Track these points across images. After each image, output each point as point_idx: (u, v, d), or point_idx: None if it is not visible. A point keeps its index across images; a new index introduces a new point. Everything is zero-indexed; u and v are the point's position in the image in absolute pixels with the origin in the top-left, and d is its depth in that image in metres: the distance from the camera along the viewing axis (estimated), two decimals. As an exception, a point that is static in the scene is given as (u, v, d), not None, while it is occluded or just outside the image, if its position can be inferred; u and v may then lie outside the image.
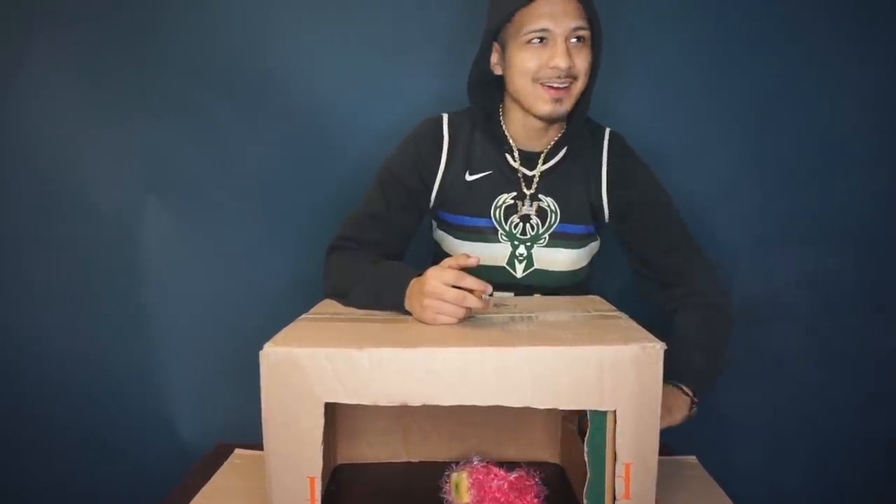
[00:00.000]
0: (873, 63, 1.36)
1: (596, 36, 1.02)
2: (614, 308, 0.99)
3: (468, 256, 0.90)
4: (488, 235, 1.13)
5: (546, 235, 1.12)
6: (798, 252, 1.40)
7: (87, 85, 1.35)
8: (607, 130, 1.14)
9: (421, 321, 0.91)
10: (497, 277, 1.07)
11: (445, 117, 1.13)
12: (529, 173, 1.11)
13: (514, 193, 1.11)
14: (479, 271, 0.90)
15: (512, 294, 1.12)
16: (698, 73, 1.37)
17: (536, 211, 1.11)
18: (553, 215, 1.11)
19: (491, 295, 0.90)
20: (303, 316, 0.95)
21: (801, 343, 1.41)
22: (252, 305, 1.38)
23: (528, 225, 1.11)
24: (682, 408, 1.01)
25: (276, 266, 1.41)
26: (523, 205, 1.11)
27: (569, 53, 0.98)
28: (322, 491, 0.83)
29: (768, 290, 1.40)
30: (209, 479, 0.97)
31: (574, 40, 1.00)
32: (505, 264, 1.13)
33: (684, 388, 1.02)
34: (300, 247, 1.35)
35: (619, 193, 1.11)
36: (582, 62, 1.01)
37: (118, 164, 1.38)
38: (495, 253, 1.12)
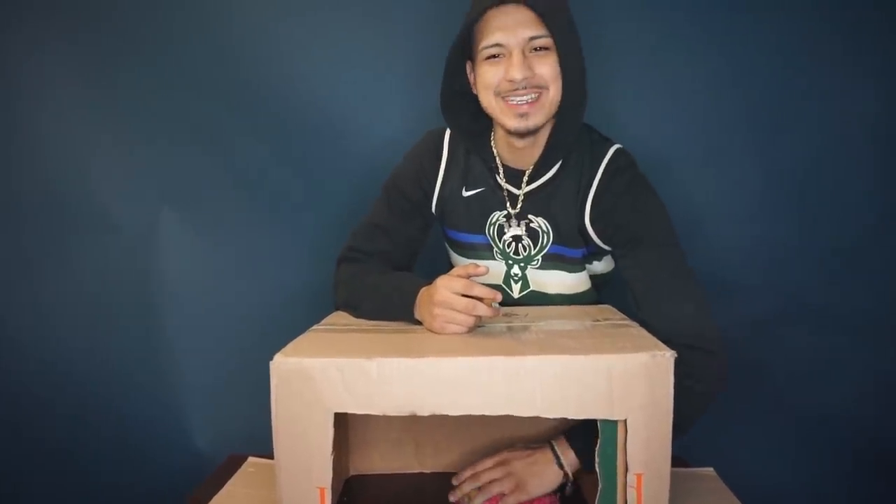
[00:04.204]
0: (882, 72, 1.34)
1: (564, 43, 0.95)
2: (625, 317, 0.98)
3: (477, 266, 0.90)
4: (483, 252, 1.11)
5: (539, 257, 1.08)
6: (808, 259, 1.37)
7: (99, 98, 1.37)
8: (612, 148, 1.05)
9: (431, 330, 0.91)
10: None
11: (448, 131, 1.12)
12: (516, 192, 1.07)
13: (506, 212, 1.08)
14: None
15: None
16: (703, 81, 1.36)
17: (527, 231, 1.07)
18: (545, 236, 1.06)
19: (500, 303, 0.90)
20: (314, 327, 0.96)
21: (818, 353, 1.38)
22: (264, 316, 1.39)
23: (520, 245, 1.08)
24: (542, 482, 0.90)
25: (288, 277, 1.42)
26: (510, 225, 1.08)
27: (528, 64, 0.93)
28: (333, 502, 0.83)
29: (779, 298, 1.38)
30: (222, 488, 0.98)
31: (535, 50, 0.94)
32: (501, 283, 1.11)
33: (561, 456, 0.91)
34: (312, 258, 1.36)
35: (602, 219, 1.03)
36: (547, 70, 0.94)
37: (131, 176, 1.40)
38: (491, 270, 1.06)
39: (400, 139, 1.19)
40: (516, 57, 0.93)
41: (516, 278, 1.10)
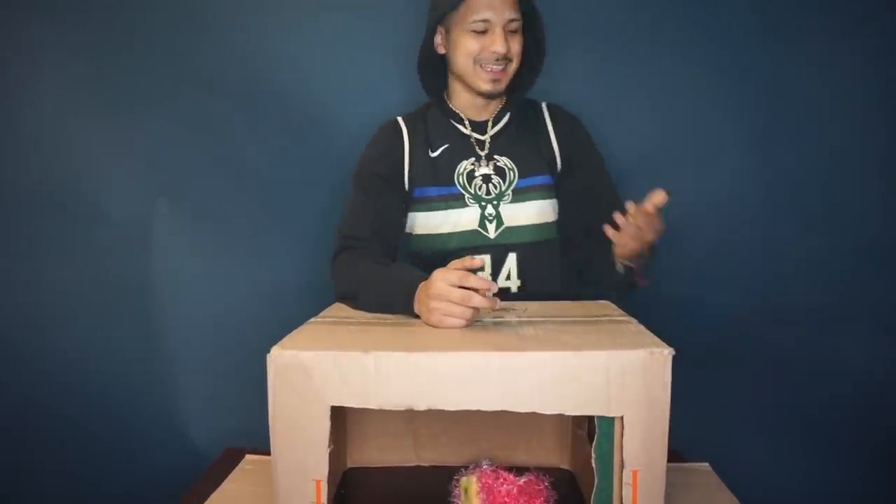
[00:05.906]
0: (882, 66, 1.33)
1: (530, 23, 1.17)
2: (624, 313, 0.98)
3: (473, 258, 0.91)
4: (455, 202, 1.20)
5: (509, 192, 1.21)
6: (807, 256, 1.37)
7: (96, 91, 1.37)
8: (543, 103, 1.28)
9: (429, 324, 0.91)
10: (472, 241, 1.19)
11: (399, 117, 1.26)
12: (482, 138, 1.23)
13: (473, 158, 1.22)
14: (455, 236, 1.11)
15: (489, 257, 1.20)
16: (703, 78, 1.36)
17: (495, 170, 1.21)
18: (511, 172, 1.21)
19: (496, 294, 0.90)
20: (312, 319, 0.96)
21: (813, 348, 1.38)
22: (262, 309, 1.39)
23: (490, 185, 1.21)
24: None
25: (285, 270, 1.42)
26: (480, 166, 1.21)
27: (506, 40, 1.12)
28: (332, 494, 0.83)
29: (779, 295, 1.38)
30: (220, 483, 0.98)
31: (511, 30, 1.14)
32: (477, 227, 1.20)
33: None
34: (309, 251, 1.36)
35: (567, 146, 1.24)
36: (516, 47, 1.16)
37: (128, 170, 1.40)
38: (465, 217, 1.20)
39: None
40: (500, 34, 1.13)
41: (490, 217, 1.20)
